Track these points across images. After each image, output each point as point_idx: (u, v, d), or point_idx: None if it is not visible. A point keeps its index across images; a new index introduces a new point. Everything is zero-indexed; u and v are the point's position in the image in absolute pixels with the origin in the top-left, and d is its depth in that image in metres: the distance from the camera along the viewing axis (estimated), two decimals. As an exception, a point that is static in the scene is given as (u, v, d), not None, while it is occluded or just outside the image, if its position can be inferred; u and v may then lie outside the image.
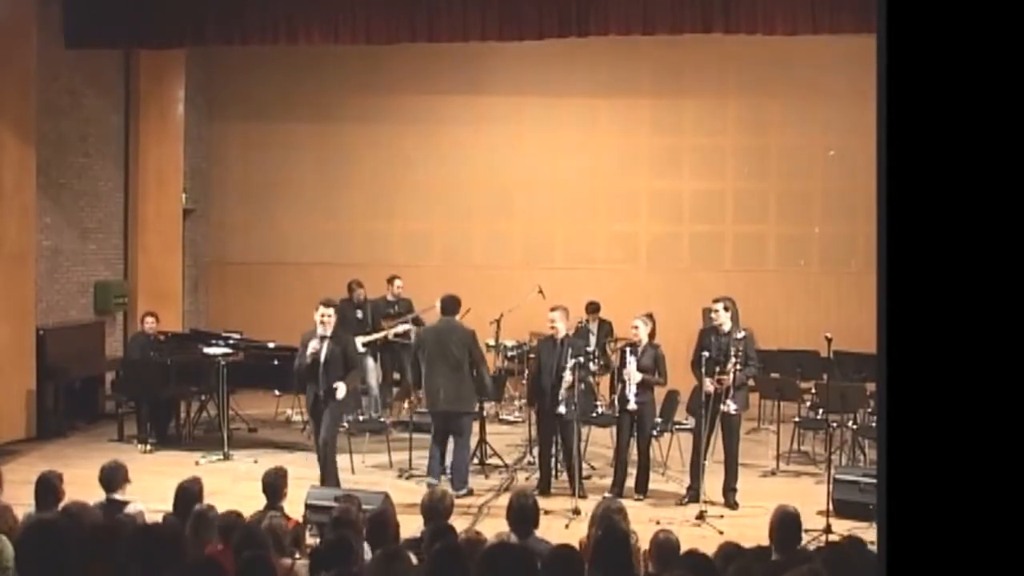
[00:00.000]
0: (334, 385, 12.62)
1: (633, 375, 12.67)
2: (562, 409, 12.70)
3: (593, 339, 16.00)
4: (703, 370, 12.27)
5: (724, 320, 12.55)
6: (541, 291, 17.02)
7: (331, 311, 12.74)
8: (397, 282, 17.45)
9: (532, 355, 14.59)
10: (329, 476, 12.65)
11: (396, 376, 17.38)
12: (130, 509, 8.67)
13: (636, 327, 12.89)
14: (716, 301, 12.71)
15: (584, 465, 13.45)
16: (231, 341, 16.39)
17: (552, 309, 13.26)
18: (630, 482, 12.90)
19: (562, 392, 12.70)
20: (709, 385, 12.31)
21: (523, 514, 8.00)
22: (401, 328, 16.65)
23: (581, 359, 12.73)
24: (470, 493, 13.02)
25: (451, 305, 13.39)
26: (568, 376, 12.69)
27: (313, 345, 12.65)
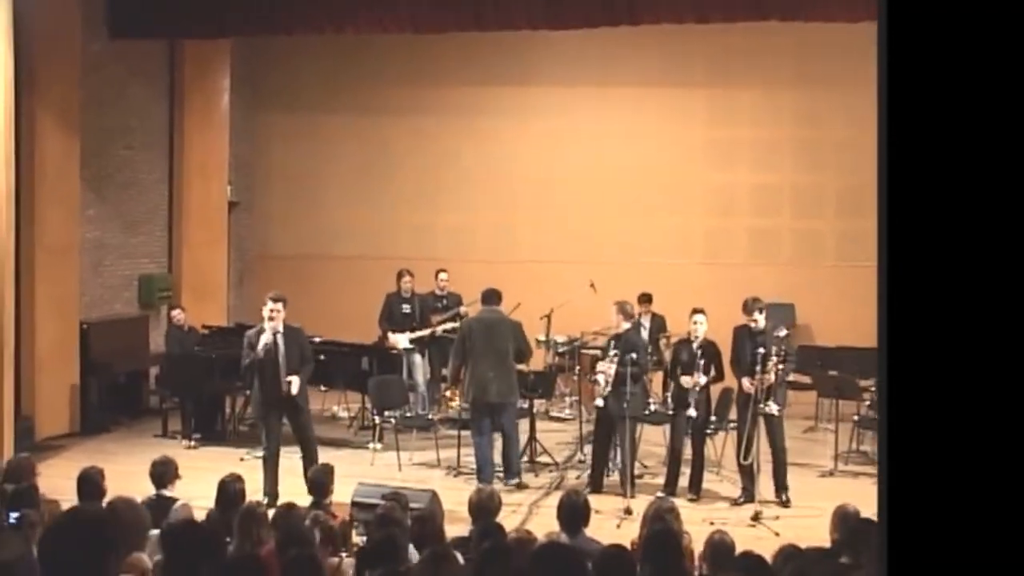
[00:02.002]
0: (287, 379, 12.37)
1: (699, 379, 12.62)
2: (599, 403, 12.75)
3: (645, 333, 15.91)
4: (752, 369, 12.24)
5: (760, 320, 12.50)
6: (593, 285, 16.99)
7: (280, 305, 12.39)
8: (442, 275, 17.42)
9: (597, 350, 14.55)
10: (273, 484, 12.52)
11: (444, 372, 17.36)
12: (177, 506, 8.71)
13: (698, 322, 12.81)
14: (753, 304, 12.59)
15: (636, 463, 13.40)
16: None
17: (614, 305, 13.28)
18: (683, 481, 12.85)
19: (608, 388, 12.72)
20: (748, 385, 12.30)
21: (574, 513, 7.98)
22: (450, 324, 16.64)
23: (634, 355, 12.69)
24: (522, 486, 13.02)
25: (492, 296, 13.44)
26: (606, 368, 12.72)
27: (266, 339, 12.29)
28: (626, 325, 13.16)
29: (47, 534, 5.41)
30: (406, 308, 16.98)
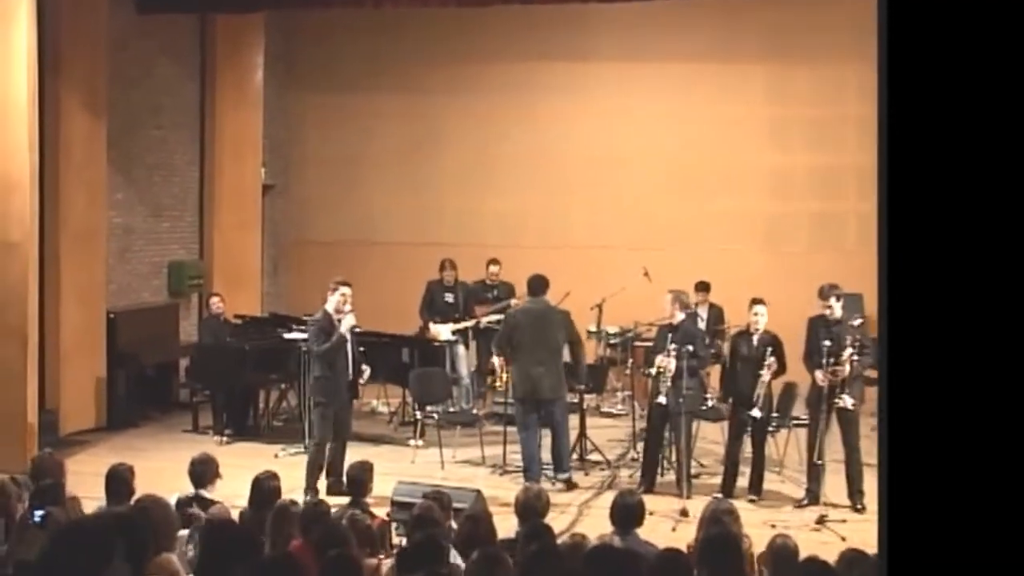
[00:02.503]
0: (363, 368, 13.25)
1: (764, 377, 12.55)
2: (662, 399, 12.68)
3: (702, 324, 15.85)
4: (823, 361, 12.13)
5: (836, 309, 12.37)
6: (647, 273, 16.93)
7: (349, 291, 13.05)
8: (492, 268, 17.38)
9: (650, 343, 14.50)
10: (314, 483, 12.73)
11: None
12: (215, 508, 8.74)
13: (758, 313, 12.73)
14: (829, 291, 12.47)
15: (693, 462, 13.36)
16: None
17: (668, 294, 13.23)
18: (742, 482, 12.79)
19: (666, 383, 12.67)
20: (821, 378, 12.16)
21: (627, 514, 7.96)
22: (495, 316, 16.65)
23: (690, 347, 12.64)
24: (571, 485, 13.01)
25: (539, 284, 13.36)
26: (665, 362, 12.67)
27: (350, 322, 12.87)
28: (681, 316, 13.12)
29: (70, 532, 5.44)
30: (449, 297, 16.98)
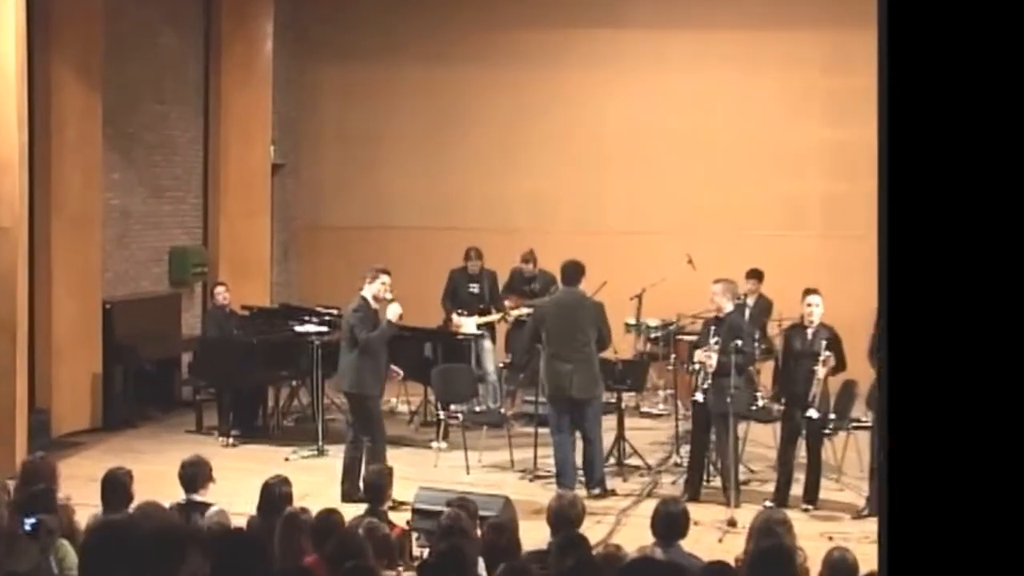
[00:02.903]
0: (395, 370, 13.85)
1: (820, 374, 12.51)
2: (699, 397, 12.67)
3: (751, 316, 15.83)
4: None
5: None
6: (691, 261, 16.87)
7: (389, 279, 13.22)
8: (527, 266, 17.23)
9: (694, 336, 14.48)
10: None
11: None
12: (212, 512, 8.76)
13: (813, 304, 12.69)
14: None
15: (741, 468, 13.34)
16: (327, 318, 16.50)
17: (713, 284, 13.18)
18: (797, 489, 12.76)
19: (707, 380, 12.65)
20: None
21: (670, 524, 7.95)
22: (526, 311, 16.64)
23: (738, 342, 12.62)
24: (606, 493, 13.00)
25: (574, 273, 13.27)
26: (705, 357, 12.64)
27: (396, 310, 13.05)
28: (729, 307, 13.08)
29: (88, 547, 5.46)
30: (473, 288, 16.97)
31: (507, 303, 16.86)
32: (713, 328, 12.95)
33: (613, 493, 13.14)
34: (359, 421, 13.01)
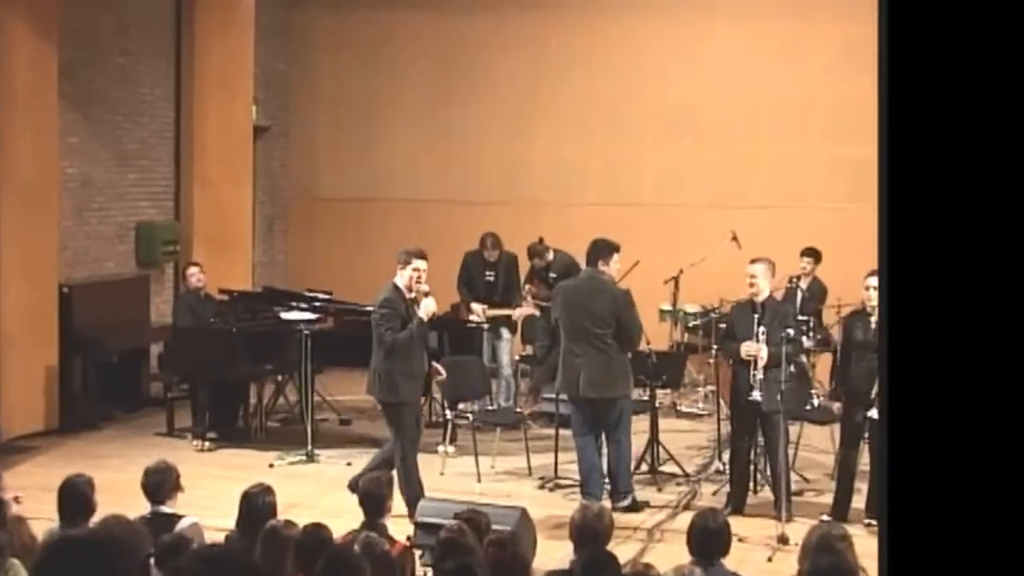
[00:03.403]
0: (439, 368, 13.69)
1: (762, 349, 12.51)
2: (757, 395, 12.55)
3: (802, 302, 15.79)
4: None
5: None
6: (735, 238, 16.84)
7: (425, 265, 12.91)
8: (536, 261, 17.18)
9: (722, 324, 14.46)
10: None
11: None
12: (183, 525, 8.76)
13: (875, 288, 12.67)
14: None
15: (794, 476, 13.32)
16: (318, 303, 16.52)
17: (752, 262, 13.08)
18: (858, 501, 12.75)
19: (757, 375, 12.58)
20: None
21: (709, 540, 7.95)
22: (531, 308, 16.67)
23: (790, 331, 12.56)
24: (637, 506, 12.99)
25: (596, 252, 13.11)
26: (755, 350, 12.55)
27: (431, 307, 12.70)
28: (766, 291, 12.90)
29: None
30: (489, 275, 16.94)
31: (527, 291, 16.84)
32: (758, 316, 12.80)
33: (647, 505, 13.13)
34: (398, 431, 12.86)
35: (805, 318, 15.26)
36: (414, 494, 12.31)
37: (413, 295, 12.70)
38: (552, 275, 16.69)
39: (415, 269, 12.70)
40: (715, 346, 16.26)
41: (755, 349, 12.65)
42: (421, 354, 12.88)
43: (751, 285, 12.90)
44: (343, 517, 9.66)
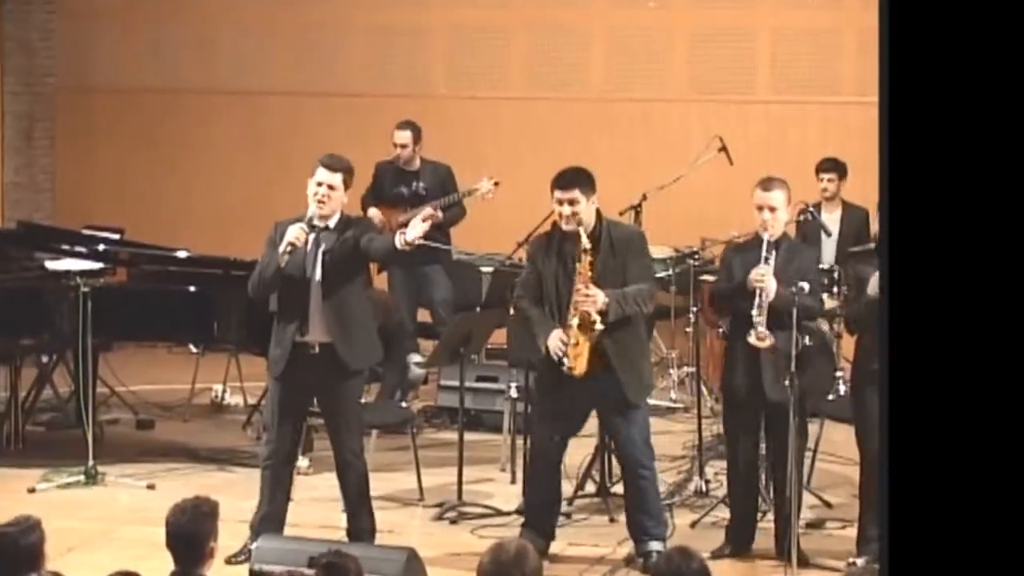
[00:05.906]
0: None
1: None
2: (752, 339, 12.32)
3: (830, 243, 15.85)
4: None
5: None
6: (724, 148, 16.68)
7: (337, 178, 12.47)
8: (400, 134, 17.23)
9: (706, 275, 14.51)
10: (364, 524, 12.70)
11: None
12: None
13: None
14: None
15: (810, 498, 13.42)
16: (103, 247, 16.47)
17: (764, 185, 12.94)
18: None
19: (760, 319, 12.38)
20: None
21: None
22: (420, 229, 16.67)
23: (804, 285, 12.40)
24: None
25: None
26: (759, 277, 12.26)
27: (295, 234, 12.22)
28: (780, 225, 12.81)
29: None
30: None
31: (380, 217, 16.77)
32: (764, 259, 12.43)
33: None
34: None
35: (828, 267, 15.06)
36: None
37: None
38: (419, 189, 16.82)
39: (319, 183, 12.31)
40: (694, 307, 16.33)
41: (759, 277, 12.13)
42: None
43: (763, 220, 12.40)
44: (145, 564, 9.71)
